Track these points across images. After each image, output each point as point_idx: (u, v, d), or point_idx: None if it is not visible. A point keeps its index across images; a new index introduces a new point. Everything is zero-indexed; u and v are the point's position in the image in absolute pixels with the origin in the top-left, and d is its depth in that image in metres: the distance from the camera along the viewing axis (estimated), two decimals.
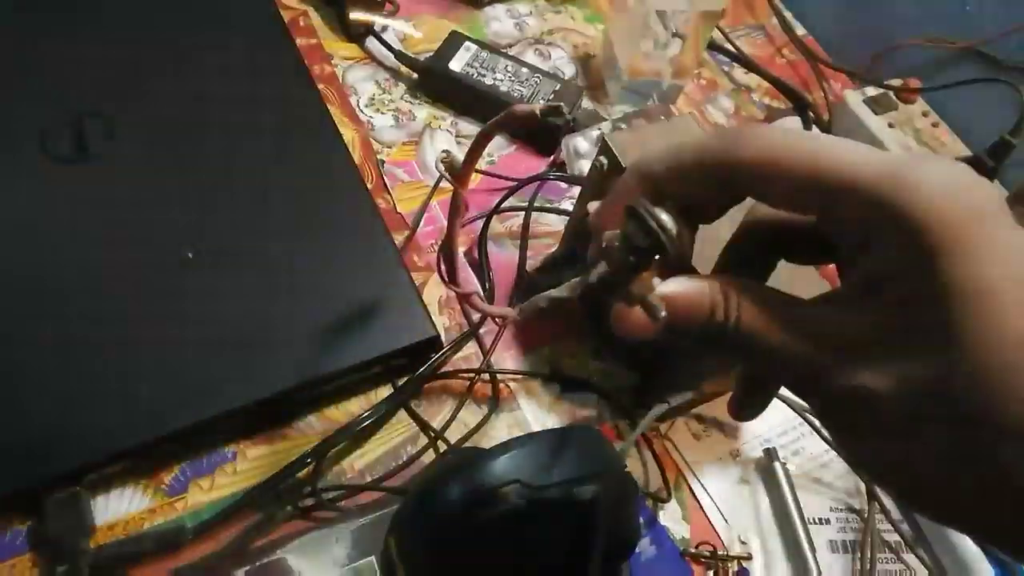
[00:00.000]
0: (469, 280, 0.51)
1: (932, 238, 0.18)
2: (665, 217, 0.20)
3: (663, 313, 0.21)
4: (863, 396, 0.19)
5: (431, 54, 0.59)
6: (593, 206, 0.25)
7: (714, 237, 0.26)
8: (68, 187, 0.46)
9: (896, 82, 0.64)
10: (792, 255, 0.25)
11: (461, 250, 0.51)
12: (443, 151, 0.29)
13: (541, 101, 0.56)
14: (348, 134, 0.55)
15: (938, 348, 0.18)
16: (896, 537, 0.45)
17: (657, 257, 0.21)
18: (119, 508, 0.40)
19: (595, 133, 0.55)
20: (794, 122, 0.65)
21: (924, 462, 0.19)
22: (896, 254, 0.19)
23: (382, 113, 0.58)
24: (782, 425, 0.48)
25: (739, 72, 0.68)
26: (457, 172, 0.29)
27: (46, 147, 0.46)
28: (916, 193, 0.18)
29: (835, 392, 0.20)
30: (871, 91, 0.64)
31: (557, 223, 0.54)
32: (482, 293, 0.49)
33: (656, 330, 0.21)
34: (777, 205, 0.21)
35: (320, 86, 0.55)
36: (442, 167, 0.29)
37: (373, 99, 0.58)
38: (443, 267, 0.35)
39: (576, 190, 0.55)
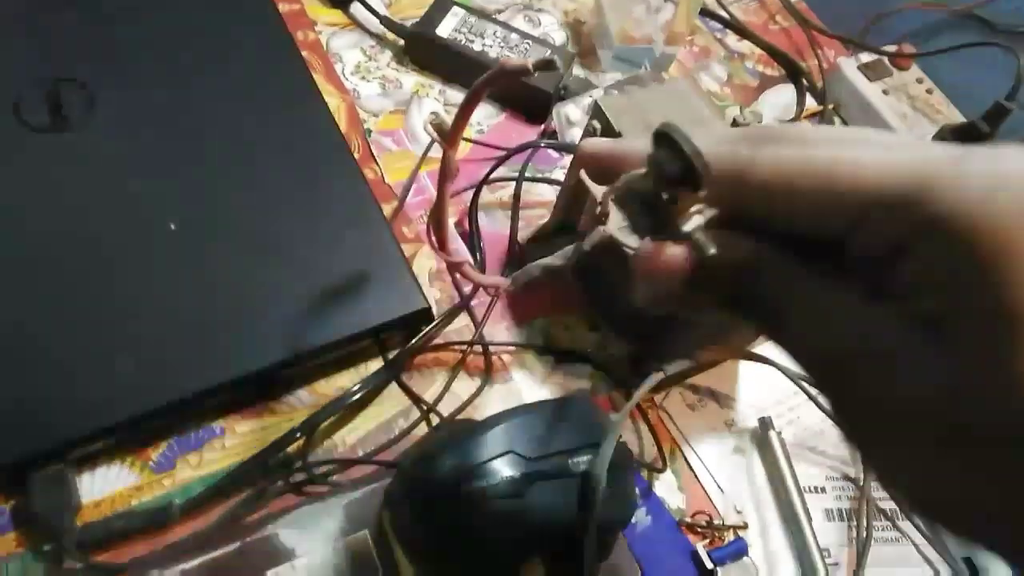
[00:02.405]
0: (460, 251, 0.50)
1: (979, 245, 0.16)
2: (698, 143, 0.19)
3: (712, 250, 0.19)
4: (897, 402, 0.18)
5: (418, 20, 0.57)
6: (589, 142, 0.24)
7: None
8: (46, 157, 0.44)
9: (890, 48, 0.63)
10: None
11: (451, 221, 0.51)
12: (432, 113, 0.28)
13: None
14: (333, 103, 0.54)
15: (985, 363, 0.16)
16: (891, 505, 0.45)
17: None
18: (105, 485, 0.39)
19: (587, 101, 0.54)
20: (788, 90, 0.64)
21: (952, 476, 0.18)
22: (939, 263, 0.17)
23: (368, 81, 0.56)
24: (777, 395, 0.48)
25: (732, 39, 0.67)
26: (447, 134, 0.28)
27: (21, 115, 0.45)
28: (957, 200, 0.16)
29: (865, 393, 0.18)
30: (865, 57, 0.63)
31: (549, 193, 0.53)
32: (473, 264, 0.49)
33: (685, 276, 0.20)
34: (798, 229, 0.19)
35: (304, 53, 0.54)
36: (431, 128, 0.28)
37: (359, 67, 0.57)
38: (433, 235, 0.34)
39: (568, 159, 0.54)
